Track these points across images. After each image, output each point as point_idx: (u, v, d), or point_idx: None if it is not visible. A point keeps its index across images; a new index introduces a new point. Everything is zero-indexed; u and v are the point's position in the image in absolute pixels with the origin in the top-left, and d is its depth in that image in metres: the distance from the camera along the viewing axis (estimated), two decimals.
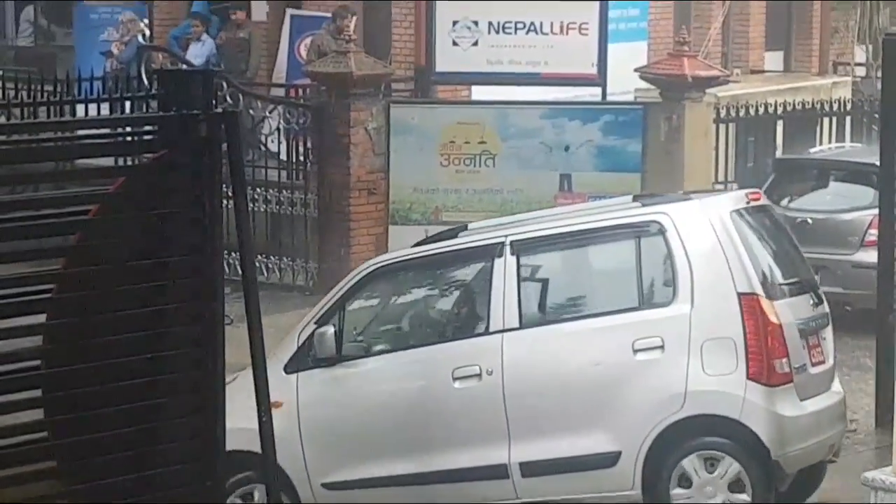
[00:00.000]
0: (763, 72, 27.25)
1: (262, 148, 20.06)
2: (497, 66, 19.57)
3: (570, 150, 18.72)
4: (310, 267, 18.68)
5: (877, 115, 18.09)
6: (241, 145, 6.99)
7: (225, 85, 18.32)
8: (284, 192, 19.17)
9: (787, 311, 10.20)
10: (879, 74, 17.83)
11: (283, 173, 19.62)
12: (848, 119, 21.87)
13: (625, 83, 20.50)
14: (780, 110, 20.67)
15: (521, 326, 10.60)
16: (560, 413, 10.24)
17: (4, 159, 6.21)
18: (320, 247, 18.87)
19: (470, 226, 12.10)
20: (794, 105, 20.83)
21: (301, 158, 19.41)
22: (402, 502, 10.36)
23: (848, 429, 12.70)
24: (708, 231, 10.29)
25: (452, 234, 11.82)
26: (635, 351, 10.08)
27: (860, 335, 15.06)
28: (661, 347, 10.23)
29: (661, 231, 10.41)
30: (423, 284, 11.82)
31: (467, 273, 11.46)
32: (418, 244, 11.95)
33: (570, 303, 11.16)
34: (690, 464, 9.81)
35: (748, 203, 10.97)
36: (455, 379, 10.31)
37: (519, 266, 10.73)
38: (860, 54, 28.47)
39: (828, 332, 10.94)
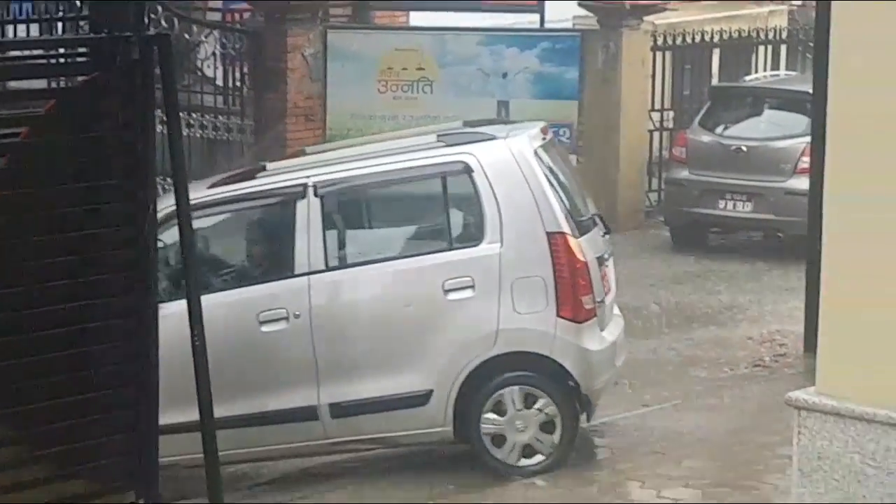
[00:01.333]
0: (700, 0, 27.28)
1: (199, 73, 19.91)
2: None
3: (507, 76, 18.73)
4: None
5: (811, 44, 18.13)
6: (175, 69, 6.97)
7: (160, 8, 18.15)
8: (220, 117, 19.09)
9: (588, 247, 10.38)
10: (814, 3, 17.90)
11: (220, 99, 19.54)
12: (783, 47, 22.01)
13: (563, 10, 20.50)
14: (716, 38, 20.75)
15: (328, 269, 10.65)
16: (370, 354, 10.27)
17: None
18: None
19: (269, 166, 11.97)
20: (730, 33, 20.88)
21: (237, 84, 19.34)
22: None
23: (777, 353, 12.94)
24: (514, 170, 10.38)
25: (251, 174, 11.82)
26: (446, 291, 10.16)
27: (790, 261, 15.26)
28: (472, 287, 10.31)
29: (468, 171, 10.48)
30: (222, 228, 11.76)
31: (270, 215, 11.48)
32: (214, 185, 11.76)
33: (378, 244, 11.19)
34: (510, 395, 9.95)
35: (544, 139, 11.14)
36: (262, 323, 10.29)
37: (323, 208, 10.75)
38: None
39: (611, 260, 11.18)
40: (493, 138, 11.17)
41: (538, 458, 9.99)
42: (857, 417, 5.61)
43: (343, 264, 10.80)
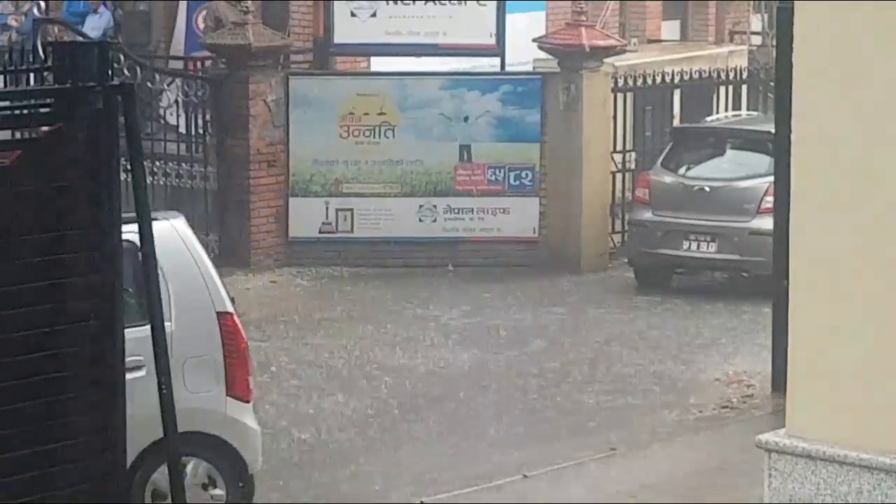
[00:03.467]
0: (660, 41, 27.39)
1: (162, 121, 19.92)
2: (396, 37, 19.52)
3: (469, 120, 18.76)
4: (210, 240, 18.53)
5: (772, 84, 18.26)
6: (139, 118, 6.96)
7: (122, 57, 18.15)
8: (184, 165, 19.06)
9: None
10: (774, 43, 18.03)
11: (183, 146, 19.46)
12: (744, 87, 21.99)
13: (523, 53, 20.56)
14: (677, 79, 20.76)
15: None
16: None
17: None
18: (221, 219, 18.74)
19: None
20: (690, 74, 20.91)
21: (200, 131, 19.30)
22: None
23: (745, 394, 12.93)
24: (182, 250, 10.58)
25: None
26: None
27: (756, 301, 15.29)
28: (143, 367, 9.99)
29: (135, 249, 10.12)
30: None
31: None
32: None
33: None
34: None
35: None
36: None
37: None
38: (756, 23, 28.72)
39: None
40: (156, 218, 11.08)
41: None
42: (829, 459, 5.59)
43: None
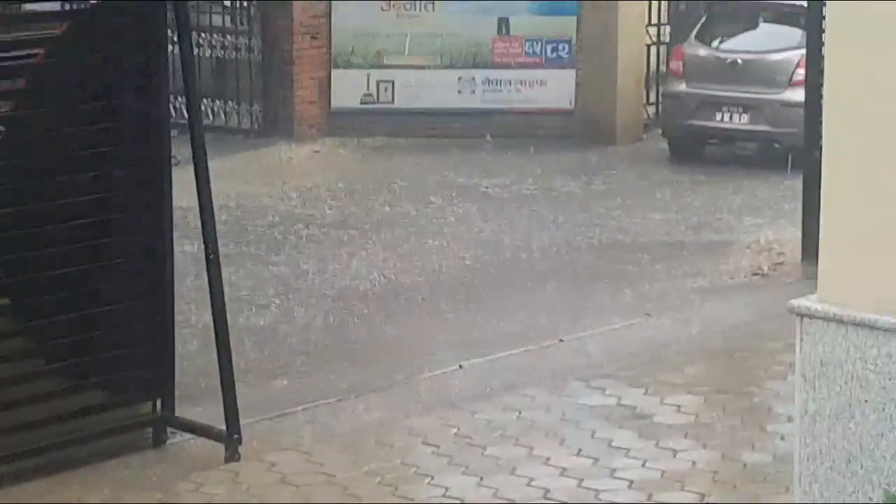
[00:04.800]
0: None
1: None
2: None
3: None
4: (254, 110, 18.70)
5: None
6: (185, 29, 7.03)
7: None
8: (229, 37, 19.13)
9: None
10: None
11: (228, 18, 19.41)
12: None
13: None
14: None
15: None
16: None
17: None
18: (264, 90, 18.78)
19: None
20: None
21: (245, 3, 19.28)
22: None
23: (776, 261, 12.94)
24: None
25: None
26: None
27: (786, 172, 15.30)
28: None
29: None
30: None
31: None
32: None
33: None
34: None
35: None
36: None
37: None
38: None
39: None
40: None
41: None
42: (859, 324, 5.61)
43: None
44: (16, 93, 6.69)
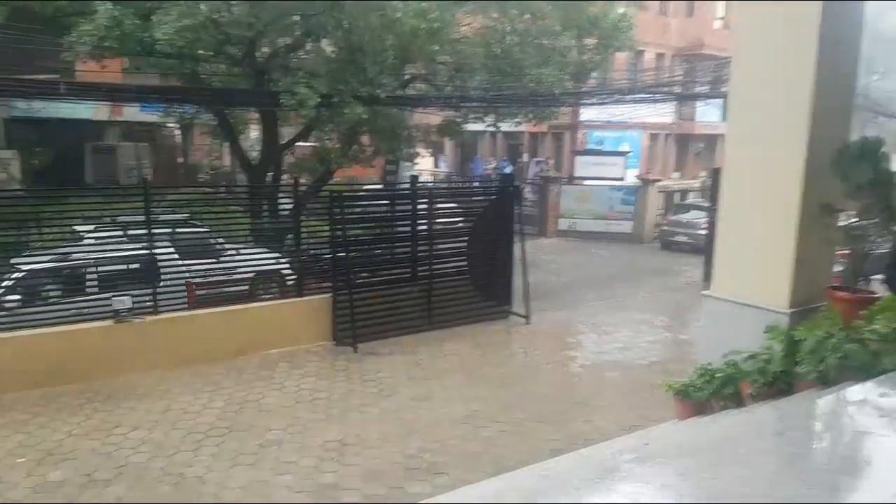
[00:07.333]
0: None
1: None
2: None
3: None
4: None
5: None
6: (519, 199, 18.76)
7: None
8: None
9: None
10: None
11: None
12: None
13: None
14: None
15: None
16: None
17: (448, 193, 18.93)
18: None
19: None
20: None
21: None
22: None
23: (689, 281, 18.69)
24: None
25: None
26: None
27: None
28: None
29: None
30: None
31: None
32: None
33: None
34: None
35: None
36: None
37: None
38: None
39: None
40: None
41: None
42: (726, 301, 9.36)
43: None
44: (473, 224, 18.24)
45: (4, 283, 14.43)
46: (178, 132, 33.23)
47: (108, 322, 14.51)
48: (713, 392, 8.99)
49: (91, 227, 16.00)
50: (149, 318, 14.86)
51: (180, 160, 33.80)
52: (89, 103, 25.96)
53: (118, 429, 12.09)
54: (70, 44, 17.60)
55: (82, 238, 15.59)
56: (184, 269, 15.80)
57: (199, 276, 15.93)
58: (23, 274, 14.52)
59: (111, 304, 14.60)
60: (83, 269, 15.08)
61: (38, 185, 22.36)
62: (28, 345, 13.77)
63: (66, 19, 18.52)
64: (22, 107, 25.31)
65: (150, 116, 29.16)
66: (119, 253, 15.18)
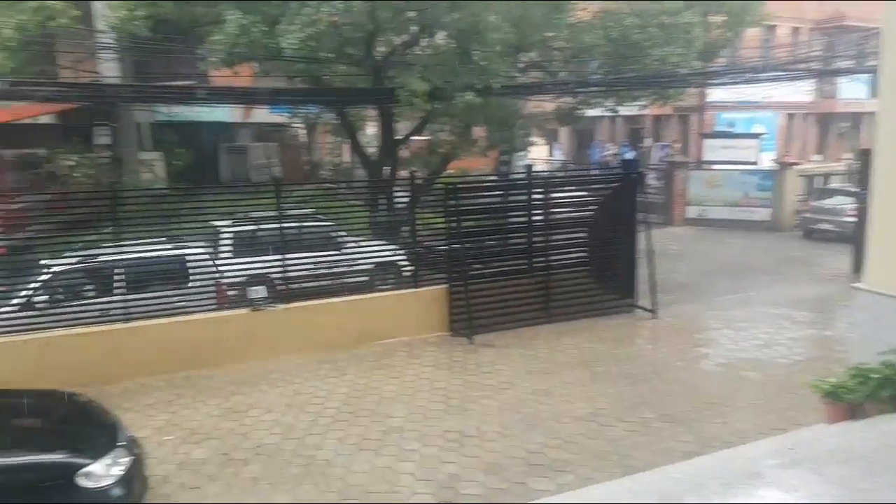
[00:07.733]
0: None
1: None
2: None
3: None
4: None
5: None
6: (643, 186, 18.36)
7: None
8: None
9: None
10: None
11: None
12: None
13: None
14: None
15: None
16: None
17: (566, 181, 18.27)
18: None
19: None
20: None
21: None
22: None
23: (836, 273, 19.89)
24: None
25: None
26: None
27: None
28: None
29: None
30: None
31: None
32: None
33: None
34: None
35: None
36: None
37: None
38: None
39: None
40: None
41: None
42: (882, 294, 9.43)
43: None
44: (595, 211, 17.77)
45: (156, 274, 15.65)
46: (303, 131, 34.57)
47: (245, 311, 15.70)
48: (868, 394, 8.83)
49: (228, 222, 17.97)
50: (280, 306, 15.94)
51: (305, 158, 35.15)
52: (223, 106, 28.01)
53: (253, 410, 12.98)
54: (205, 52, 18.77)
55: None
56: (305, 261, 16.60)
57: (323, 268, 16.68)
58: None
59: (246, 294, 15.97)
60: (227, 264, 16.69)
61: (179, 184, 24.12)
62: (175, 331, 15.06)
63: (200, 29, 19.97)
64: (164, 111, 27.05)
65: (278, 118, 30.79)
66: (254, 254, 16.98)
